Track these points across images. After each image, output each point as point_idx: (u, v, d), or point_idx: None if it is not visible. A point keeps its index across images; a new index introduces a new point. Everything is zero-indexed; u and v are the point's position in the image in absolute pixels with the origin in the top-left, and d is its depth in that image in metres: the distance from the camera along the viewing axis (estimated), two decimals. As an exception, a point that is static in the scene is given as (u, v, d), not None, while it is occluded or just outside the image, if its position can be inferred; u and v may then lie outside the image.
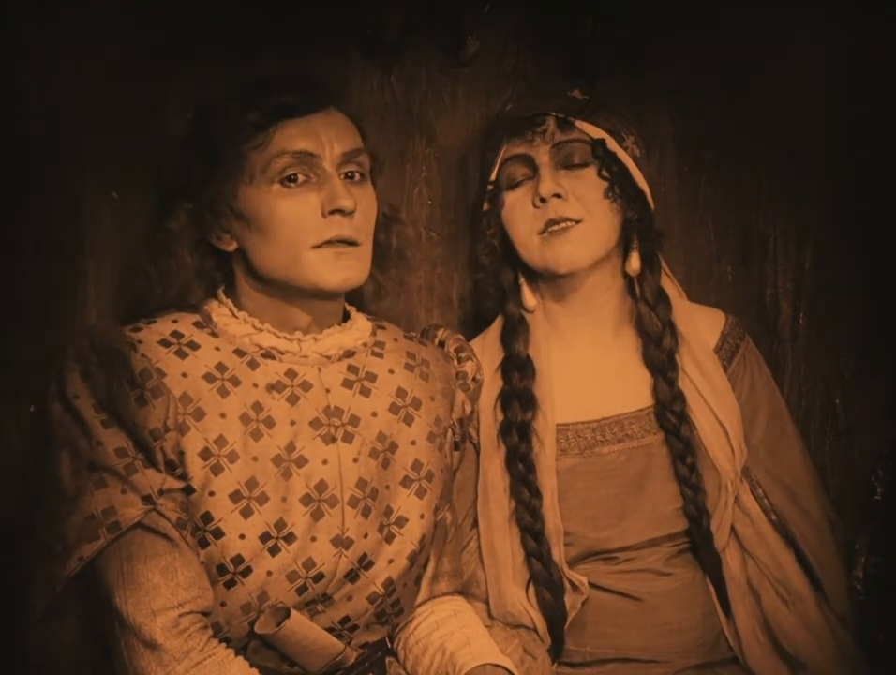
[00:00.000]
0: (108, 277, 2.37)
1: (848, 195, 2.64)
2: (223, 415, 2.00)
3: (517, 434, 2.37)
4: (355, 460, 2.06)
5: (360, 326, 2.17)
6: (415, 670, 2.18)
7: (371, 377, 2.13)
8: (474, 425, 2.38)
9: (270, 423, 2.03)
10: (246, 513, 1.97)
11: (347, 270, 2.04)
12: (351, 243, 2.04)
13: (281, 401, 2.04)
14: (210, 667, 1.91)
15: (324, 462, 2.04)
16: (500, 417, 2.40)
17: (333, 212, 2.02)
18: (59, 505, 1.93)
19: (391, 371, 2.16)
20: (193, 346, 2.03)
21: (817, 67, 2.60)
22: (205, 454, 1.97)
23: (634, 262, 2.42)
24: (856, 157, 2.62)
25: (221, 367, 2.03)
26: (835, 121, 2.62)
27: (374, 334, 2.19)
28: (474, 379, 2.28)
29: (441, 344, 2.30)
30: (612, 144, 2.38)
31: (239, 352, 2.06)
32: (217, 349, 2.05)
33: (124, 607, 1.90)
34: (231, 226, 2.07)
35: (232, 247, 2.08)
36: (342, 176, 2.05)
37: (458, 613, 2.23)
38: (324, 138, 2.04)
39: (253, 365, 2.06)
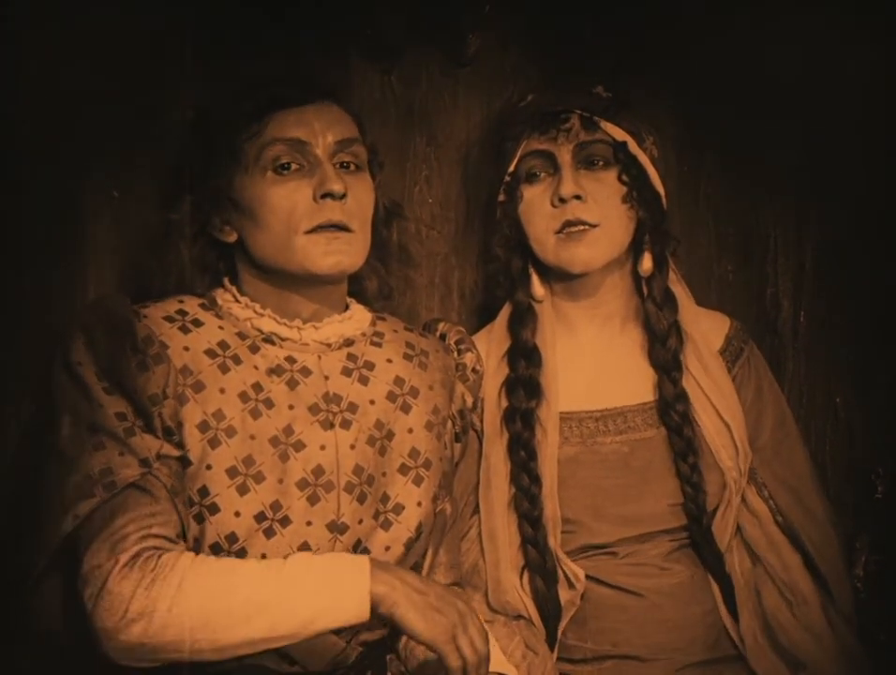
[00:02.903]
0: (108, 276, 2.37)
1: (848, 195, 2.65)
2: (222, 391, 2.01)
3: (521, 421, 2.37)
4: (352, 447, 2.07)
5: (360, 316, 2.19)
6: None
7: (370, 365, 2.14)
8: (478, 412, 2.38)
9: (269, 404, 2.04)
10: (242, 490, 1.98)
11: (338, 254, 2.05)
12: (343, 228, 2.05)
13: (281, 385, 2.06)
14: (161, 579, 1.84)
15: (322, 448, 2.05)
16: (505, 404, 2.40)
17: (324, 196, 2.04)
18: (58, 468, 1.93)
19: (389, 360, 2.17)
20: (197, 323, 2.06)
21: (817, 68, 2.61)
22: (203, 426, 1.98)
23: (647, 263, 2.43)
24: (855, 156, 2.63)
25: (223, 344, 2.05)
26: (835, 121, 2.62)
27: (374, 324, 2.20)
28: (474, 370, 2.29)
29: (443, 337, 2.30)
30: (633, 147, 2.38)
31: (241, 336, 2.08)
32: (221, 328, 2.07)
33: (89, 556, 1.85)
34: (230, 217, 2.10)
35: (233, 238, 2.11)
36: (336, 165, 2.07)
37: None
38: (317, 126, 2.07)
39: (254, 348, 2.07)
